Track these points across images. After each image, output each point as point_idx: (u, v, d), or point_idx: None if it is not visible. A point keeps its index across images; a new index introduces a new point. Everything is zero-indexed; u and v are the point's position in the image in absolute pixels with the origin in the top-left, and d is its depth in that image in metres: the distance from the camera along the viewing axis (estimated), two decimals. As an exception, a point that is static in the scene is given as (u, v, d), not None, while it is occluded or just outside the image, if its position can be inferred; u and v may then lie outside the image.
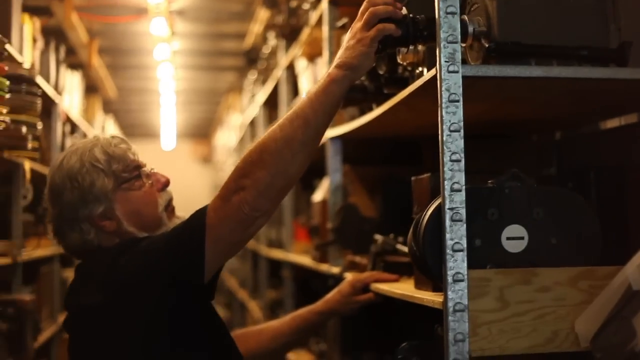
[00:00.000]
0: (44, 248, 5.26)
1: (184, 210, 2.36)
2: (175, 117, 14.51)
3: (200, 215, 2.08)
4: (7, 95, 3.65)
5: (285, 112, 4.74)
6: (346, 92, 2.05)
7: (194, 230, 2.06)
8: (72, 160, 2.28)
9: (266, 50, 6.91)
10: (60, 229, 2.31)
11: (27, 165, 4.33)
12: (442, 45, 1.85)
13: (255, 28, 8.03)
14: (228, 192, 2.04)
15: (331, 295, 2.82)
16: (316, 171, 3.84)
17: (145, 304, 2.10)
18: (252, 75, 8.23)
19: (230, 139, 11.69)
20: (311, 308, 2.83)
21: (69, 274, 6.52)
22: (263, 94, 6.95)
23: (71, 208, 2.26)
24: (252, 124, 8.07)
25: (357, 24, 2.03)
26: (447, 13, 1.86)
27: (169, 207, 2.36)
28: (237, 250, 2.22)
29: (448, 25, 1.86)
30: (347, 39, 2.05)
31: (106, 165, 2.27)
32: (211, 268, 2.08)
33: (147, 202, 2.31)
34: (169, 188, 2.38)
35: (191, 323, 2.16)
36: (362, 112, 2.77)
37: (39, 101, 4.21)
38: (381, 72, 2.64)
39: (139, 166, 2.34)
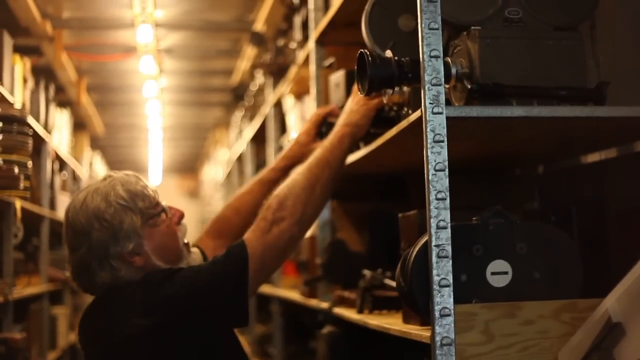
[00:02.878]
0: (34, 286, 5.29)
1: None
2: (162, 152, 14.55)
3: (240, 248, 2.33)
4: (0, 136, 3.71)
5: (273, 149, 4.85)
6: (352, 145, 2.58)
7: (237, 261, 2.31)
8: (97, 200, 2.33)
9: (253, 87, 6.98)
10: (87, 268, 2.35)
11: (18, 204, 4.37)
12: (426, 87, 1.91)
13: (243, 65, 8.10)
14: (267, 224, 2.37)
15: (289, 149, 2.96)
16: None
17: (191, 328, 2.25)
18: (240, 112, 8.30)
19: (217, 174, 11.74)
20: (273, 167, 2.98)
21: (59, 312, 6.55)
22: (251, 130, 7.01)
23: (101, 246, 2.32)
24: (240, 159, 8.12)
25: (360, 95, 2.46)
26: (431, 56, 1.92)
27: (185, 242, 2.49)
28: (269, 277, 2.56)
29: (432, 69, 1.92)
30: (351, 104, 2.58)
31: (132, 203, 2.35)
32: (250, 295, 2.33)
33: (171, 236, 2.42)
34: (184, 221, 2.49)
35: (226, 347, 2.38)
36: (350, 151, 2.83)
37: (30, 141, 4.26)
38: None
39: (158, 202, 2.43)
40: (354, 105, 2.57)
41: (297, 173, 2.49)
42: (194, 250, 2.51)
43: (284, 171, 2.90)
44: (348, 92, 2.94)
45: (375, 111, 2.55)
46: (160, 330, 2.24)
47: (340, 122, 2.58)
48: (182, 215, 2.48)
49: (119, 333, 2.27)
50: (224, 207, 3.04)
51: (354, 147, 2.76)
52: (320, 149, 2.53)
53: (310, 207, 2.44)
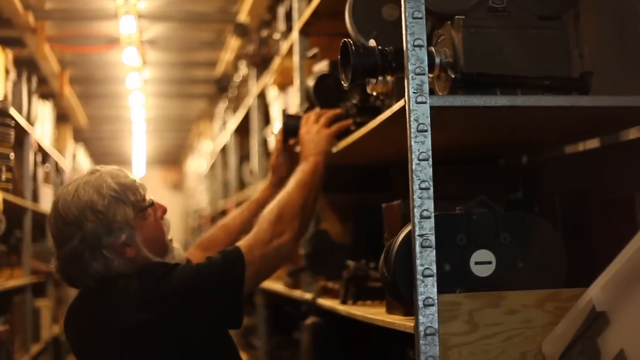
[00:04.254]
0: (16, 278, 5.26)
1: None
2: (146, 144, 14.50)
3: (237, 253, 2.43)
4: (-19, 127, 3.68)
5: (256, 140, 4.87)
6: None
7: (235, 265, 2.41)
8: (90, 192, 2.35)
9: (237, 78, 6.95)
10: (79, 259, 2.35)
11: (0, 196, 4.34)
12: (410, 77, 1.91)
13: (226, 56, 8.08)
14: (268, 235, 2.51)
15: (274, 162, 3.13)
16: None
17: (186, 325, 2.31)
18: (223, 103, 8.27)
19: (201, 166, 11.71)
20: (265, 187, 3.16)
21: (42, 304, 6.52)
22: (234, 121, 7.00)
23: (94, 237, 2.34)
24: (224, 150, 8.10)
25: (316, 126, 2.80)
26: (415, 46, 1.92)
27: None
28: (260, 284, 2.75)
29: (415, 58, 1.92)
30: (311, 134, 2.79)
31: (123, 195, 2.38)
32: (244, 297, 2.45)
33: (158, 230, 2.47)
34: (166, 215, 2.54)
35: (219, 345, 2.44)
36: (339, 137, 2.82)
37: (11, 132, 4.24)
38: (354, 102, 2.71)
39: (145, 196, 2.47)
40: (313, 136, 2.79)
41: (288, 192, 2.64)
42: (176, 246, 2.54)
43: (275, 189, 2.97)
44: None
45: (329, 130, 2.78)
46: (157, 325, 2.28)
47: (311, 152, 2.76)
48: (165, 210, 2.52)
49: (115, 325, 2.30)
50: (217, 226, 3.20)
51: (342, 135, 2.77)
52: (300, 173, 2.71)
53: (303, 222, 2.63)
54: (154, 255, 2.41)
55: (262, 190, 3.16)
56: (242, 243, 2.49)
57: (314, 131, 2.80)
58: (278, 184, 2.96)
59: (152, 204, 2.46)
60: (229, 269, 2.40)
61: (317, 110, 2.91)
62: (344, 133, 2.75)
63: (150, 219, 2.44)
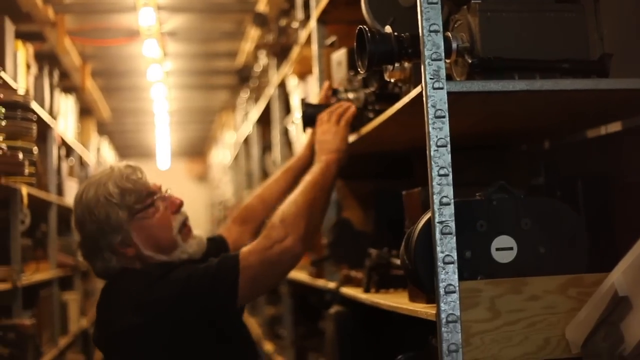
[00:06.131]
0: (42, 272, 5.29)
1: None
2: (169, 136, 14.54)
3: (234, 260, 2.42)
4: (3, 122, 3.70)
5: (278, 130, 4.85)
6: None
7: (229, 272, 2.39)
8: (90, 194, 2.47)
9: (257, 68, 6.95)
10: (86, 255, 2.53)
11: (24, 190, 4.37)
12: (426, 62, 1.89)
13: (247, 47, 8.07)
14: (269, 242, 2.47)
15: (309, 139, 3.08)
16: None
17: (180, 329, 2.35)
18: (245, 94, 8.27)
19: (225, 157, 11.72)
20: (299, 156, 3.14)
21: (69, 297, 6.56)
22: (256, 111, 6.99)
23: (92, 238, 2.47)
24: (246, 141, 8.11)
25: (327, 124, 2.76)
26: (431, 31, 1.90)
27: (185, 228, 2.57)
28: (269, 290, 2.60)
29: (432, 43, 1.90)
30: (323, 133, 2.75)
31: (119, 198, 2.46)
32: (242, 301, 2.44)
33: (162, 227, 2.51)
34: (183, 209, 2.58)
35: (217, 346, 2.43)
36: (354, 129, 2.81)
37: (34, 127, 4.25)
38: (372, 89, 2.69)
39: (152, 193, 2.52)
40: (328, 136, 2.74)
41: (295, 194, 2.59)
42: (197, 235, 2.59)
43: (309, 159, 2.98)
44: (350, 70, 2.93)
45: (348, 129, 2.76)
46: (150, 328, 2.33)
47: (324, 151, 2.72)
48: (180, 204, 2.57)
49: (115, 326, 2.38)
50: (252, 196, 3.17)
51: (357, 125, 2.76)
52: (310, 174, 2.66)
53: (310, 225, 2.55)
54: (157, 253, 2.48)
55: (296, 159, 3.14)
56: (244, 249, 2.49)
57: (332, 131, 2.76)
58: (312, 155, 2.92)
59: (152, 204, 2.50)
60: (221, 275, 2.40)
61: (333, 108, 2.84)
62: (359, 123, 2.73)
63: (152, 218, 2.49)
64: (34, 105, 4.62)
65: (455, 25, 2.09)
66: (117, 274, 2.48)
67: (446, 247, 1.86)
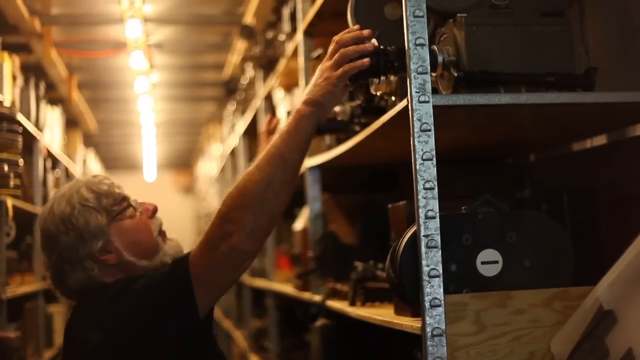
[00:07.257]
0: (27, 284, 5.26)
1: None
2: (156, 148, 14.51)
3: (183, 267, 2.19)
4: (-12, 135, 3.68)
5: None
6: (316, 127, 2.15)
7: (180, 280, 2.18)
8: (62, 205, 2.34)
9: (244, 80, 6.96)
10: (61, 273, 2.35)
11: (10, 202, 4.35)
12: (412, 76, 1.90)
13: (234, 59, 8.07)
14: (214, 239, 2.14)
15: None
16: (296, 200, 3.87)
17: (144, 344, 2.18)
18: (232, 106, 8.27)
19: (211, 169, 11.71)
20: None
21: (54, 310, 6.53)
22: (243, 124, 6.99)
23: (70, 249, 2.32)
24: (233, 153, 8.10)
25: (326, 63, 2.12)
26: (417, 45, 1.91)
27: (161, 232, 2.43)
28: (227, 290, 2.31)
29: (418, 57, 1.91)
30: (316, 76, 2.15)
31: (95, 202, 2.34)
32: (203, 308, 2.19)
33: (142, 230, 2.38)
34: (158, 214, 2.45)
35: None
36: (340, 141, 2.82)
37: (20, 139, 4.24)
38: (358, 102, 2.69)
39: (125, 198, 2.41)
40: (317, 79, 2.14)
41: (248, 174, 2.14)
42: (173, 237, 2.45)
43: None
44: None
45: (338, 86, 2.09)
46: (114, 347, 2.19)
47: (300, 99, 2.18)
48: (155, 209, 2.44)
49: (82, 344, 2.26)
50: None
51: (343, 138, 2.74)
52: (274, 140, 2.14)
53: (263, 216, 2.13)
54: (139, 258, 2.35)
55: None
56: (192, 251, 2.22)
57: (323, 76, 2.12)
58: None
59: (128, 206, 2.39)
60: (174, 285, 2.20)
61: (337, 37, 2.15)
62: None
63: (130, 221, 2.38)
64: (20, 117, 4.60)
65: (441, 39, 2.10)
66: (92, 291, 2.32)
67: (432, 260, 1.86)
